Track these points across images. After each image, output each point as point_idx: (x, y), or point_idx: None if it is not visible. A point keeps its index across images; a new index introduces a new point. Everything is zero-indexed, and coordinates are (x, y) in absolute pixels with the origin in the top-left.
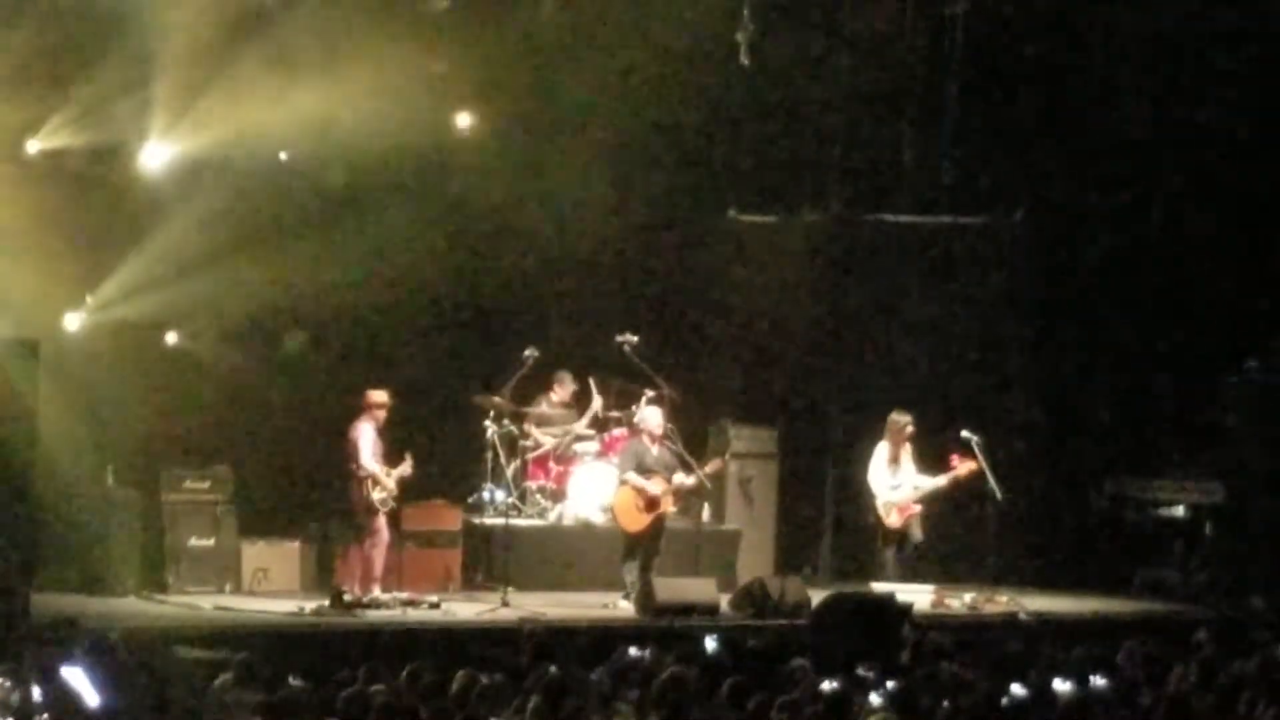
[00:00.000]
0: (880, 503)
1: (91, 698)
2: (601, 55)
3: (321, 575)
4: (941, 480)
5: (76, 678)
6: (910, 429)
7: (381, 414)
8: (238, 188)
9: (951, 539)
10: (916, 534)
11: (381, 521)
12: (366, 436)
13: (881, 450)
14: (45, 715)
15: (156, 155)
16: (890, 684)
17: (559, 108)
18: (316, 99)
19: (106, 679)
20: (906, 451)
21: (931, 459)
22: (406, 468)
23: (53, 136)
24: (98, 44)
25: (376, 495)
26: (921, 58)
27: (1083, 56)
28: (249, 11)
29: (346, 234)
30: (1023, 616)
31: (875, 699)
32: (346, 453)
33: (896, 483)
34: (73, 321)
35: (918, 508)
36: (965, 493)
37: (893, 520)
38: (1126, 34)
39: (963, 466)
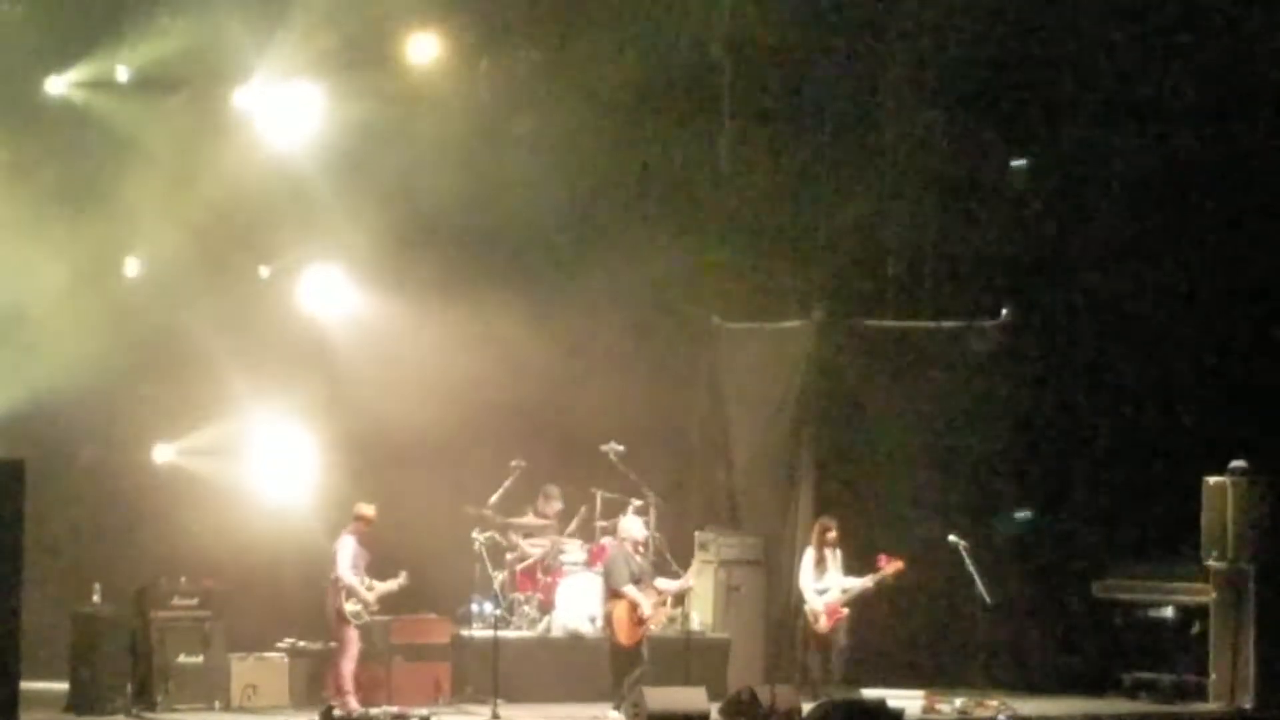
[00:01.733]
0: (808, 609)
1: None
2: (577, 160)
3: (311, 690)
4: (868, 581)
5: None
6: (833, 534)
7: (365, 527)
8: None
9: (942, 643)
10: (841, 640)
11: (352, 634)
12: (346, 548)
13: (808, 555)
14: None
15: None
16: None
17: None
18: None
19: None
20: (834, 555)
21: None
22: (393, 584)
23: None
24: None
25: (350, 607)
26: (901, 166)
27: (1062, 161)
28: None
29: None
30: (1000, 718)
31: None
32: (330, 563)
33: (823, 586)
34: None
35: (845, 611)
36: (955, 598)
37: (820, 626)
38: (1104, 139)
39: (889, 567)
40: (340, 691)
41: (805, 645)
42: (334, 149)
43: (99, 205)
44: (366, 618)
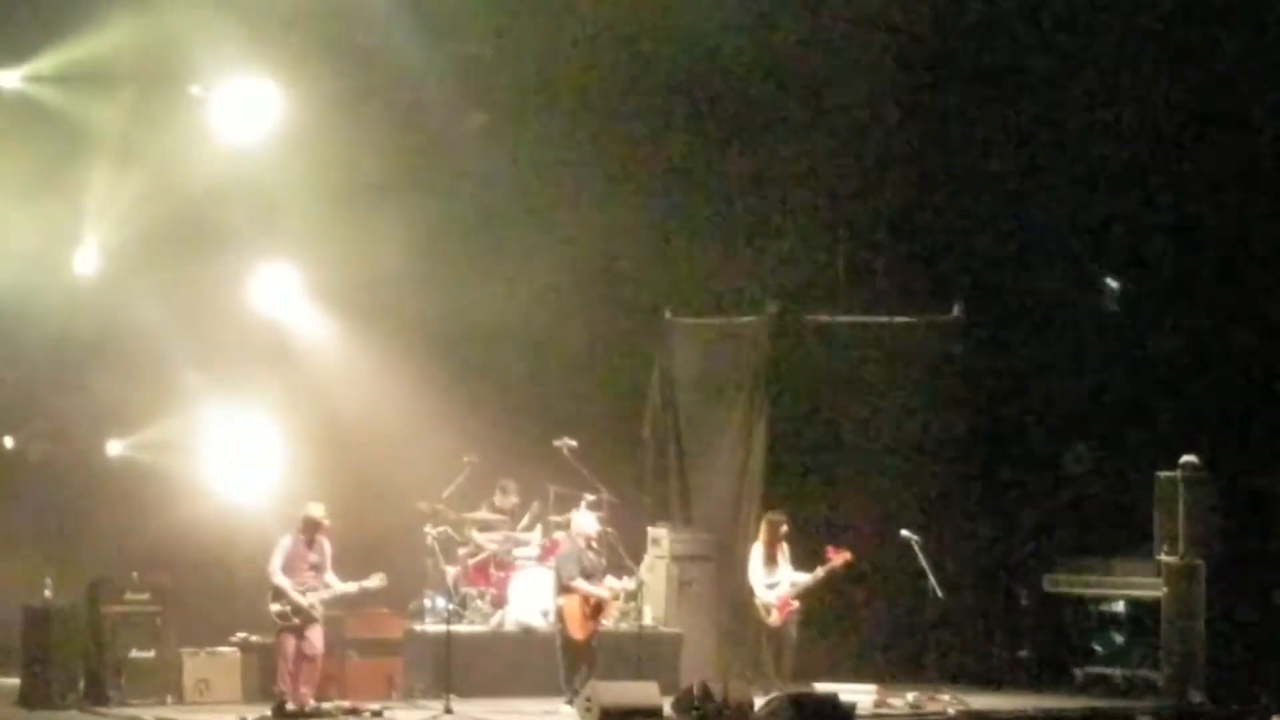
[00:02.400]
0: (759, 603)
1: None
2: (531, 154)
3: (263, 685)
4: (819, 573)
5: None
6: (785, 528)
7: (313, 529)
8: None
9: (894, 638)
10: (792, 634)
11: (280, 638)
12: (282, 548)
13: (757, 551)
14: None
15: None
16: None
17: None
18: None
19: None
20: (783, 551)
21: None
22: (353, 586)
23: None
24: None
25: (273, 607)
26: (857, 158)
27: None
28: None
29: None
30: (950, 712)
31: None
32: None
33: (773, 581)
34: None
35: (796, 604)
36: (908, 593)
37: (772, 620)
38: (1057, 131)
39: (838, 558)
40: (279, 691)
41: (757, 640)
42: (288, 145)
43: (51, 199)
44: (294, 620)
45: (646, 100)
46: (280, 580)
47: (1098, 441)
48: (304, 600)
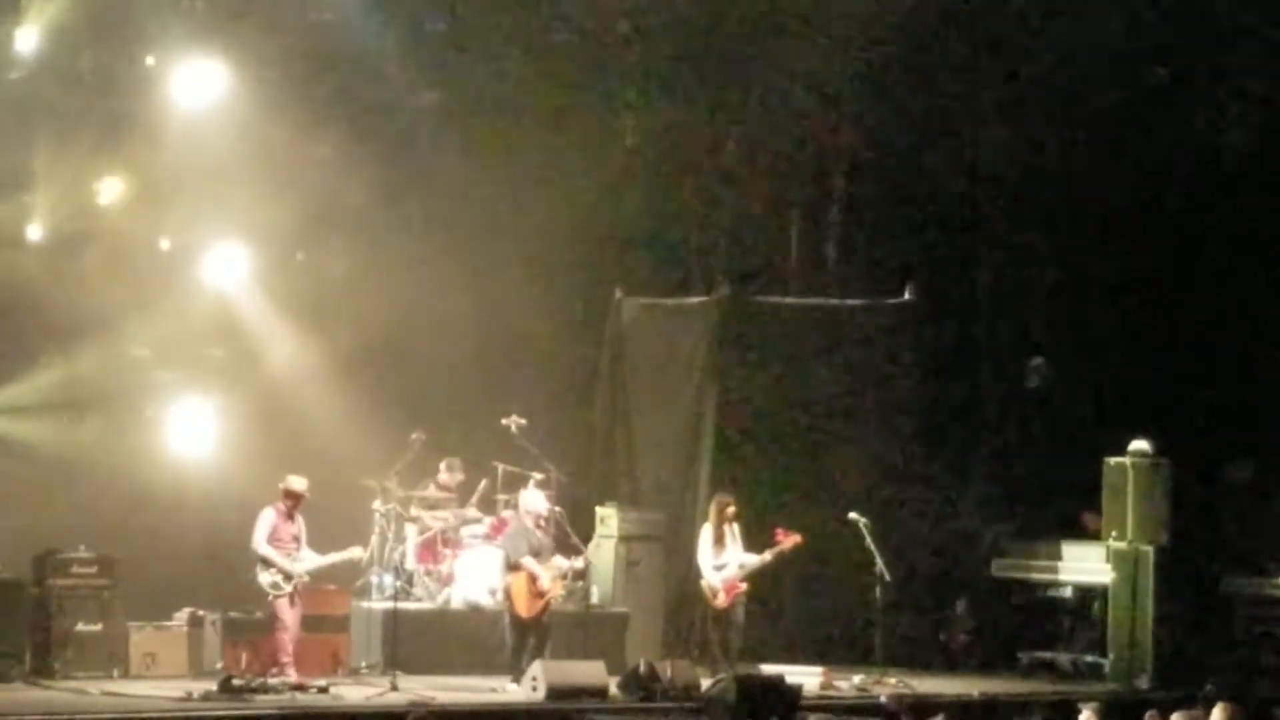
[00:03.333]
0: (705, 584)
1: None
2: (485, 133)
3: (209, 659)
4: (767, 555)
5: None
6: (732, 509)
7: (294, 501)
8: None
9: (841, 620)
10: (739, 615)
11: (277, 605)
12: (265, 520)
13: (706, 532)
14: None
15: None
16: None
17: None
18: None
19: None
20: (732, 531)
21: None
22: (337, 557)
23: None
24: None
25: (264, 578)
26: (809, 142)
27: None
28: None
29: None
30: (883, 699)
31: None
32: None
33: (721, 562)
34: None
35: (743, 586)
36: (856, 574)
37: (719, 601)
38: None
39: (787, 541)
40: (276, 663)
41: (704, 621)
42: (239, 121)
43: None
44: (287, 588)
45: (600, 79)
46: (266, 550)
47: (1050, 425)
48: (294, 566)
